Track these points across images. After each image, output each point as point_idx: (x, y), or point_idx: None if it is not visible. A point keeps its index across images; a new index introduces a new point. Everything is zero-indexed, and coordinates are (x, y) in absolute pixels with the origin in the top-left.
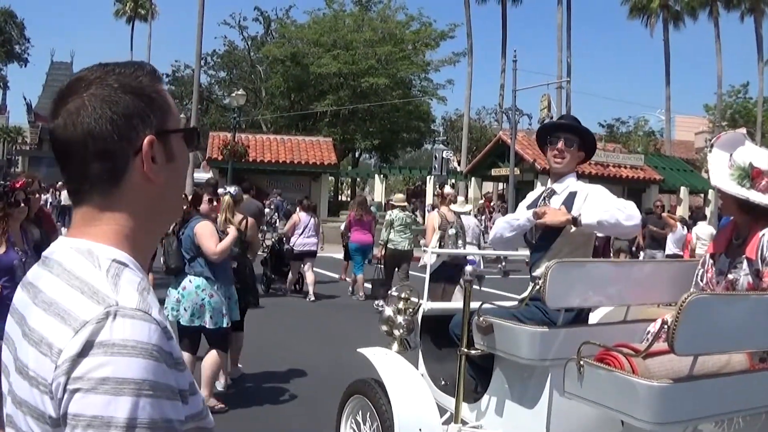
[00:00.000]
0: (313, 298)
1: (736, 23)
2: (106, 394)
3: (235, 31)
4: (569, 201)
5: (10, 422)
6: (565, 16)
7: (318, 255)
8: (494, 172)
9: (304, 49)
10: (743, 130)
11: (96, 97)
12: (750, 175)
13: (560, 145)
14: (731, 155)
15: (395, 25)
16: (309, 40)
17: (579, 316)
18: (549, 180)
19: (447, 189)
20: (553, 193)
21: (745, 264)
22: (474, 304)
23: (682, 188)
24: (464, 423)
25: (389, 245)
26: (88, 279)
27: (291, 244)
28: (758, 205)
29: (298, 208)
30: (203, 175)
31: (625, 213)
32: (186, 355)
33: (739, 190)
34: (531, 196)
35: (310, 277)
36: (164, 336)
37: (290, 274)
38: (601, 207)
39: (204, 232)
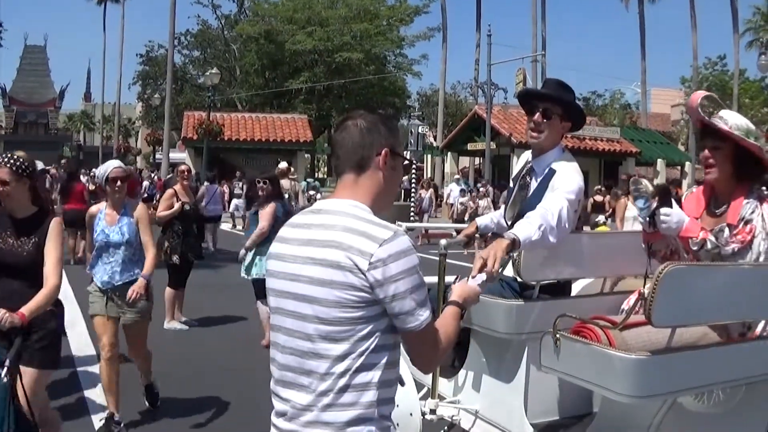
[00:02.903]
0: (212, 249)
1: None
2: (408, 276)
3: (209, 10)
4: (545, 183)
5: (304, 297)
6: None
7: None
8: (470, 146)
9: (278, 27)
10: (703, 93)
11: (366, 120)
12: (761, 136)
13: (537, 117)
14: (721, 118)
15: (370, 1)
16: (283, 18)
17: (558, 290)
18: (531, 152)
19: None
20: (532, 171)
21: (726, 232)
22: (449, 278)
23: (659, 161)
24: (441, 398)
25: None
26: (369, 217)
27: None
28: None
29: (205, 181)
30: (178, 155)
31: (554, 235)
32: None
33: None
34: (516, 169)
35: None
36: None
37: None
38: (539, 217)
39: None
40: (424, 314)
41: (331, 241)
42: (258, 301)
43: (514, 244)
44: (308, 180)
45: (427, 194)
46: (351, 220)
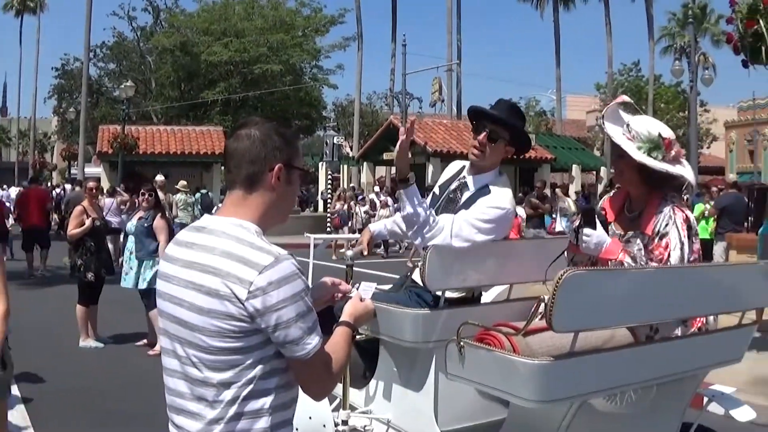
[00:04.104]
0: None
1: (626, 3)
2: (292, 303)
3: (125, 22)
4: (475, 198)
5: (185, 323)
6: None
7: None
8: (386, 156)
9: (194, 38)
10: (623, 98)
11: (260, 131)
12: (661, 146)
13: (482, 137)
14: (627, 126)
15: (286, 12)
16: (199, 29)
17: (468, 298)
18: (467, 167)
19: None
20: (465, 187)
21: (639, 239)
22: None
23: (574, 166)
24: (353, 408)
25: (176, 220)
26: (251, 240)
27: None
28: (675, 177)
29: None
30: (94, 170)
31: (428, 237)
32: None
33: (659, 165)
34: (445, 176)
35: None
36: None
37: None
38: (456, 217)
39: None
40: (312, 342)
41: (210, 267)
42: (150, 313)
43: (407, 181)
44: (202, 191)
45: (344, 207)
46: (231, 244)
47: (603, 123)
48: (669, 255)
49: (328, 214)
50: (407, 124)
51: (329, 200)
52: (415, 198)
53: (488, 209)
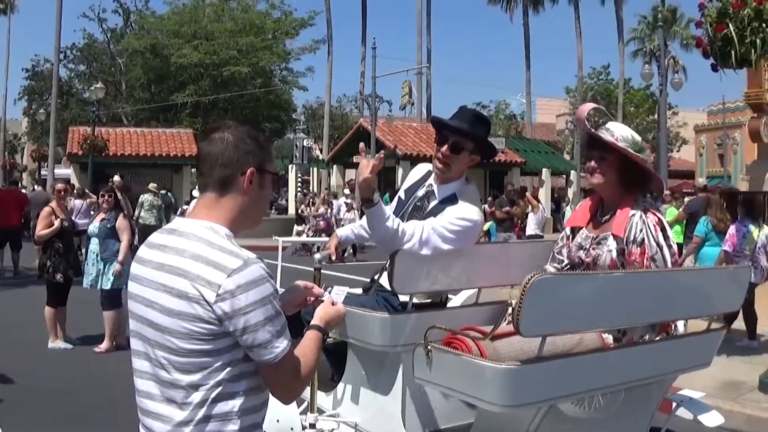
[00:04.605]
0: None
1: (596, 6)
2: (261, 307)
3: (95, 24)
4: (444, 205)
5: (155, 325)
6: (424, 1)
7: None
8: (356, 159)
9: (164, 41)
10: (595, 105)
11: (233, 134)
12: (645, 149)
13: (445, 149)
14: (608, 129)
15: (256, 15)
16: (169, 31)
17: (435, 304)
18: (432, 176)
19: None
20: (432, 195)
21: (610, 240)
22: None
23: (544, 170)
24: (321, 412)
25: (140, 221)
26: (221, 243)
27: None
28: (651, 180)
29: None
30: (64, 171)
31: (415, 242)
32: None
33: (647, 166)
34: (411, 179)
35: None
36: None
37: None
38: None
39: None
40: (281, 345)
41: (179, 269)
42: (104, 312)
43: (371, 201)
44: (162, 191)
45: (327, 210)
46: (201, 247)
47: (592, 126)
48: (650, 260)
49: (295, 217)
50: (376, 160)
51: (299, 202)
52: (381, 216)
53: (457, 220)
